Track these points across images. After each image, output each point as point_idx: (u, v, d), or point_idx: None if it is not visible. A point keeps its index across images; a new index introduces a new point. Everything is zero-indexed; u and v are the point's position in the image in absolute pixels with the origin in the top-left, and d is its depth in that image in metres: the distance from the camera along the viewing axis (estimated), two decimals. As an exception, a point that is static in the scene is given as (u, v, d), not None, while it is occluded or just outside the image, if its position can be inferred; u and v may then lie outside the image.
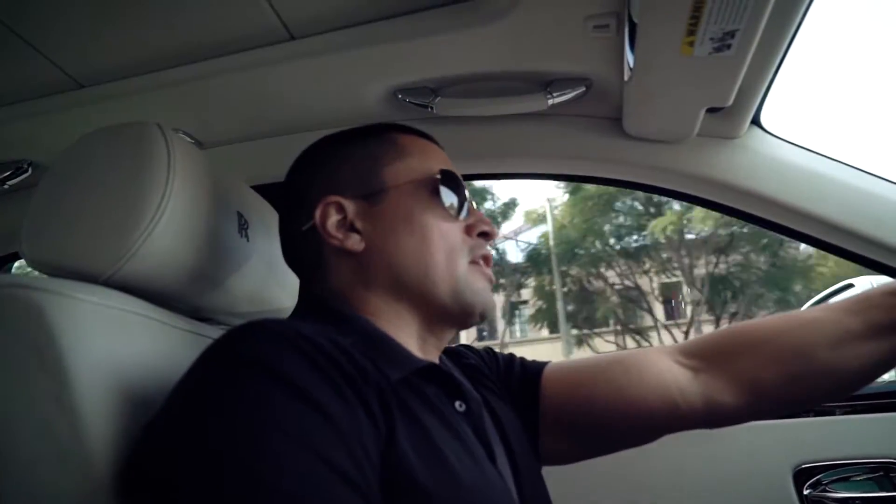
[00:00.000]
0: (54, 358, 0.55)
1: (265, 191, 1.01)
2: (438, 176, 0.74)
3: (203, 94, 1.11)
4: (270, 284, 0.93)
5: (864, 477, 1.12)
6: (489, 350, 0.91)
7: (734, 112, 1.07)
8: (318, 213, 0.72)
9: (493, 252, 0.80)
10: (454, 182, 0.75)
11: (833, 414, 1.16)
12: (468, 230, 0.75)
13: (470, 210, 0.76)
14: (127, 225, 0.67)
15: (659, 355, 0.84)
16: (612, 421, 0.82)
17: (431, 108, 1.10)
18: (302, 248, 0.76)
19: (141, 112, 1.14)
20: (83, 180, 0.71)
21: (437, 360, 0.75)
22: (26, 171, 1.29)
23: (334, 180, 0.75)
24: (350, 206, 0.73)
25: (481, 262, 0.75)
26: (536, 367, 0.87)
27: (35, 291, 0.58)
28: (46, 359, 0.55)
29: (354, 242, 0.72)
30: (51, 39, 0.99)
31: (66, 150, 0.74)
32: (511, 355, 0.91)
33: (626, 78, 0.96)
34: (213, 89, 1.10)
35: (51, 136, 1.19)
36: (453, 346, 0.89)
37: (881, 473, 1.12)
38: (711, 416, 0.81)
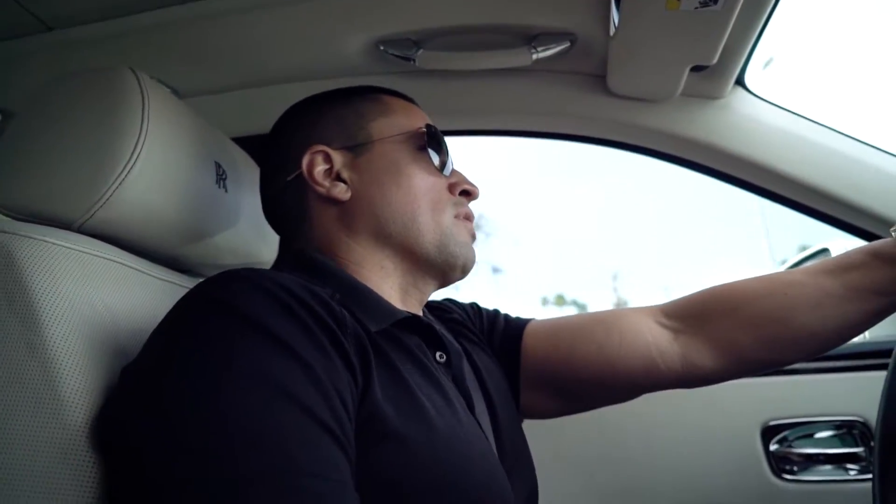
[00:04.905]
0: (25, 302, 0.54)
1: (245, 143, 1.00)
2: (424, 130, 0.75)
3: (179, 40, 1.08)
4: (249, 236, 0.92)
5: (829, 434, 1.16)
6: (474, 305, 0.92)
7: (718, 71, 1.06)
8: (304, 162, 0.73)
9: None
10: (438, 140, 0.76)
11: (800, 373, 1.19)
12: (451, 188, 0.76)
13: (452, 170, 0.78)
14: (99, 171, 0.66)
15: (640, 315, 0.85)
16: (591, 378, 0.83)
17: (414, 60, 1.08)
18: (285, 200, 0.76)
19: (114, 59, 1.10)
20: (54, 124, 0.69)
21: (419, 313, 0.76)
22: (-6, 116, 1.25)
23: (320, 132, 0.75)
24: (337, 157, 0.73)
25: (464, 218, 0.77)
26: (519, 324, 0.88)
27: (4, 234, 0.57)
28: (16, 303, 0.54)
29: (341, 191, 0.72)
30: (18, -21, 0.95)
31: (36, 94, 0.72)
32: (496, 311, 0.92)
33: (611, 33, 0.95)
34: (190, 36, 1.07)
35: (19, 81, 1.15)
36: (437, 300, 0.89)
37: (844, 430, 1.16)
38: (689, 377, 0.82)
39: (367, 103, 0.78)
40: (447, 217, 0.74)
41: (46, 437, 0.52)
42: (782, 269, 1.54)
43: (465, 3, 0.99)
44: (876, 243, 0.79)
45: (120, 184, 0.66)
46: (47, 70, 1.10)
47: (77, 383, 0.54)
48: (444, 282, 0.77)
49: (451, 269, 0.74)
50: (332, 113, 0.77)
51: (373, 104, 0.78)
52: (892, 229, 0.77)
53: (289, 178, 0.75)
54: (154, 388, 0.50)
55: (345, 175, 0.73)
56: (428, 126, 0.76)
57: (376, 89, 0.81)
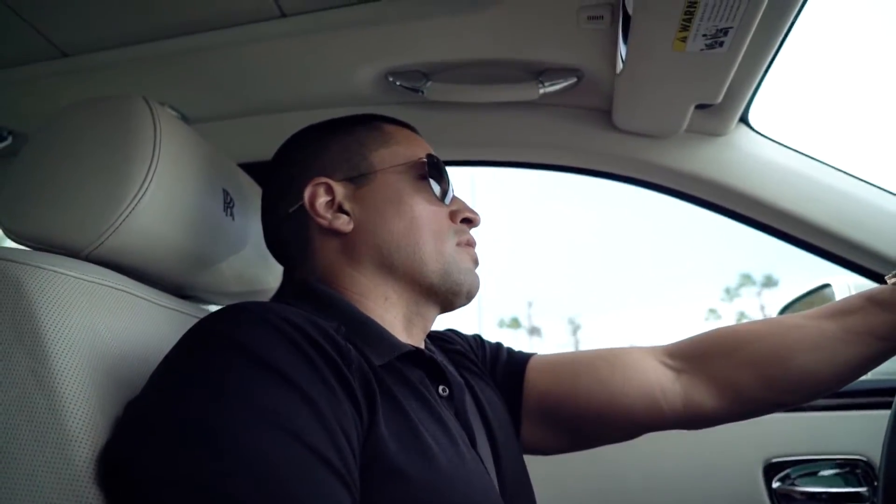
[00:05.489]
0: (32, 332, 0.54)
1: (251, 170, 1.01)
2: (425, 160, 0.76)
3: (191, 68, 1.09)
4: (255, 264, 0.92)
5: (831, 472, 1.15)
6: (477, 337, 0.91)
7: (723, 109, 1.07)
8: (306, 194, 0.73)
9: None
10: (439, 169, 0.77)
11: (803, 411, 1.18)
12: (452, 216, 0.77)
13: (453, 198, 0.78)
14: (110, 199, 0.66)
15: (644, 354, 0.85)
16: (593, 415, 0.82)
17: (422, 92, 1.09)
18: (287, 230, 0.76)
19: (126, 84, 1.12)
20: (66, 151, 0.70)
21: (422, 345, 0.76)
22: (6, 139, 1.26)
23: (322, 163, 0.76)
24: (338, 188, 0.74)
25: (466, 245, 0.77)
26: (522, 358, 0.88)
27: (13, 264, 0.57)
28: (24, 333, 0.54)
29: (343, 223, 0.72)
30: (35, 6, 0.97)
31: (49, 120, 0.73)
32: (499, 344, 0.92)
33: (617, 70, 0.96)
34: (202, 64, 1.08)
35: (32, 105, 1.16)
36: (440, 330, 0.89)
37: (848, 469, 1.14)
38: (690, 418, 0.82)
39: (369, 132, 0.78)
40: (449, 245, 0.74)
41: (51, 471, 0.51)
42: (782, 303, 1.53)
43: (475, 38, 1.00)
44: (874, 289, 0.80)
45: (130, 212, 0.66)
46: (61, 95, 1.11)
47: (83, 417, 0.53)
48: (448, 308, 0.77)
49: (455, 296, 0.74)
50: (334, 143, 0.77)
51: (374, 133, 0.78)
52: (887, 277, 0.79)
53: (291, 210, 0.75)
54: (156, 423, 0.50)
55: (347, 206, 0.73)
56: (429, 156, 0.77)
57: (378, 118, 0.82)
